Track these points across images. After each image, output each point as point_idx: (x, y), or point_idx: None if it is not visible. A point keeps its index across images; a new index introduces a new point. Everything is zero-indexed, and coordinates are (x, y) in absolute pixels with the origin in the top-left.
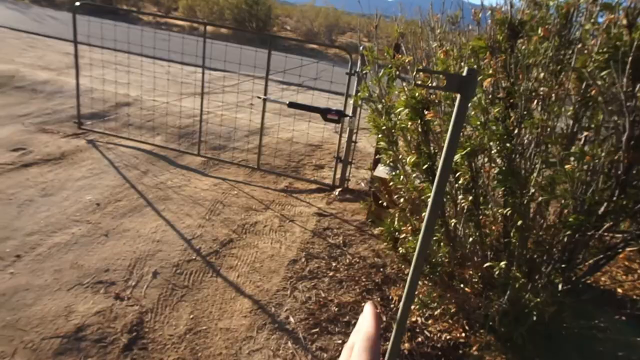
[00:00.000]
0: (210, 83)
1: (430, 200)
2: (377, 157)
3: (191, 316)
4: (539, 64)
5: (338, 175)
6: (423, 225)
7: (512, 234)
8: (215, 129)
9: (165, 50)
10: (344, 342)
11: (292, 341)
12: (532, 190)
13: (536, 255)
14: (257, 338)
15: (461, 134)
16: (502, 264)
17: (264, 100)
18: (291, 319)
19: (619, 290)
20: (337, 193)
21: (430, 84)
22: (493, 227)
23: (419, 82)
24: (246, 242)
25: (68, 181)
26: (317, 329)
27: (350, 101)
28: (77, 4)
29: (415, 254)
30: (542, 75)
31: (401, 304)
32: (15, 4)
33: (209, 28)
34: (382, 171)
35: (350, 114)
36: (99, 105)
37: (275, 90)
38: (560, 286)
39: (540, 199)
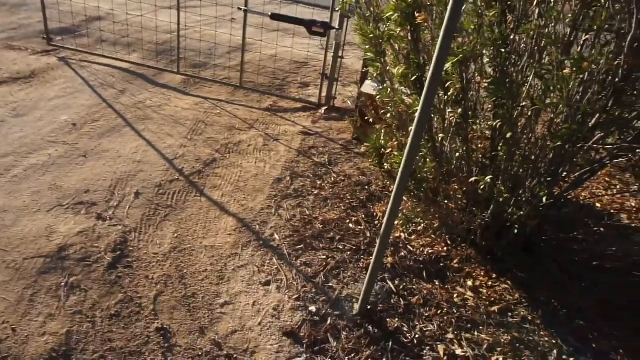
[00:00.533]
0: None
1: (418, 111)
2: (364, 70)
3: (175, 235)
4: None
5: (324, 94)
6: (409, 138)
7: (499, 147)
8: (195, 45)
9: None
10: (328, 258)
11: (276, 257)
12: (523, 103)
13: (522, 169)
14: (241, 255)
15: (453, 40)
16: (488, 178)
17: (245, 11)
18: (276, 236)
19: (598, 205)
20: (322, 111)
21: None
22: (480, 143)
23: None
24: (230, 162)
25: (41, 101)
26: (301, 245)
27: (337, 14)
28: None
29: (401, 168)
30: None
31: (385, 218)
32: None
33: None
34: (369, 87)
35: (337, 27)
36: (68, 19)
37: (258, 4)
38: (544, 200)
39: (530, 110)
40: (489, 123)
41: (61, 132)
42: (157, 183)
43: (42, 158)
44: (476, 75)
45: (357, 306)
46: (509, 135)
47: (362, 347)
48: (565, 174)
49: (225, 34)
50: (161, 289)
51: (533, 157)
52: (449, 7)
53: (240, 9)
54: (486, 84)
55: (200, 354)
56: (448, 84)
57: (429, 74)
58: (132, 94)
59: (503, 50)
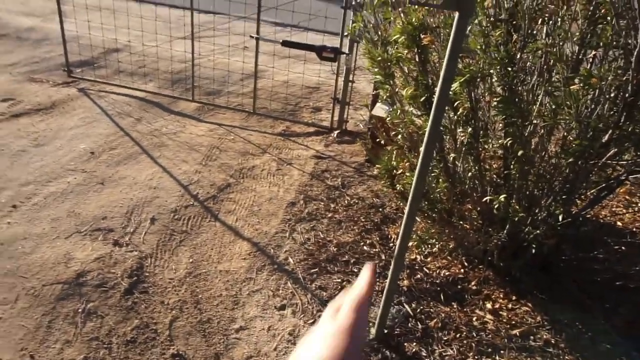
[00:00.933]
0: (201, 26)
1: (427, 131)
2: (374, 93)
3: (190, 260)
4: None
5: (336, 117)
6: (420, 158)
7: (512, 166)
8: (209, 74)
9: None
10: (343, 282)
11: (291, 281)
12: (535, 121)
13: (536, 187)
14: (256, 279)
15: (460, 61)
16: (502, 197)
17: (257, 39)
18: (290, 260)
19: (619, 223)
20: (335, 135)
21: (426, 2)
22: (492, 162)
23: (414, 0)
24: (244, 186)
25: (60, 130)
26: (316, 269)
27: (346, 40)
28: None
29: (412, 189)
30: None
31: (399, 239)
32: None
33: None
34: (380, 109)
35: (347, 52)
36: (87, 52)
37: (269, 32)
38: (560, 218)
39: (542, 126)
40: (500, 141)
41: (80, 160)
42: (173, 209)
43: (61, 186)
44: (485, 94)
45: (373, 330)
46: (520, 153)
47: None
48: (581, 191)
49: (238, 62)
50: (176, 315)
51: (547, 175)
52: (453, 29)
53: (252, 37)
54: (495, 103)
55: None
56: (457, 103)
57: (436, 94)
58: (148, 122)
59: (510, 69)
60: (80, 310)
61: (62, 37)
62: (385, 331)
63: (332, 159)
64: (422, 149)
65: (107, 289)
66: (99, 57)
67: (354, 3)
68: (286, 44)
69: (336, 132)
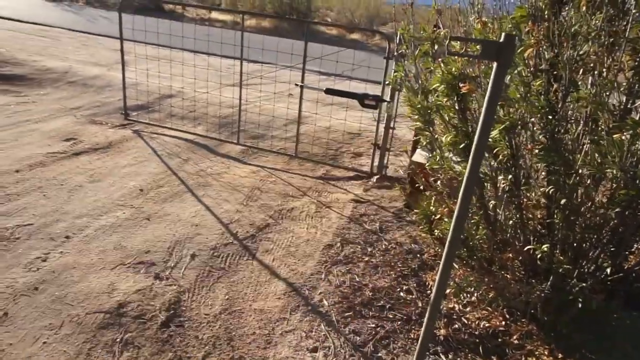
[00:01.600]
0: (249, 74)
1: (465, 175)
2: (414, 138)
3: (226, 297)
4: (588, 35)
5: (376, 163)
6: (458, 202)
7: (555, 215)
8: (255, 119)
9: (206, 43)
10: (377, 327)
11: (325, 323)
12: (580, 170)
13: (583, 239)
14: (290, 319)
15: (501, 109)
16: (545, 247)
17: (301, 87)
18: (325, 302)
19: None
20: (374, 180)
21: (465, 52)
22: (535, 211)
23: (453, 51)
24: (282, 227)
25: (114, 168)
26: (350, 312)
27: (388, 88)
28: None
29: (450, 232)
30: (592, 48)
31: (435, 284)
32: (70, 6)
33: (252, 22)
34: (419, 155)
35: (388, 99)
36: (144, 97)
37: (314, 80)
38: (608, 271)
39: (586, 173)
40: (542, 189)
41: (129, 196)
42: (213, 246)
43: (110, 220)
44: (527, 142)
45: None
46: (563, 202)
47: None
48: (631, 244)
49: (282, 108)
50: (209, 350)
51: (594, 226)
52: (491, 77)
53: (297, 85)
54: (537, 151)
55: None
56: (496, 150)
57: (475, 140)
58: (195, 162)
59: (551, 117)
60: (118, 339)
61: (122, 83)
62: None
63: (370, 204)
64: (460, 193)
65: (145, 320)
66: (154, 102)
67: (395, 54)
68: (329, 91)
69: (376, 177)
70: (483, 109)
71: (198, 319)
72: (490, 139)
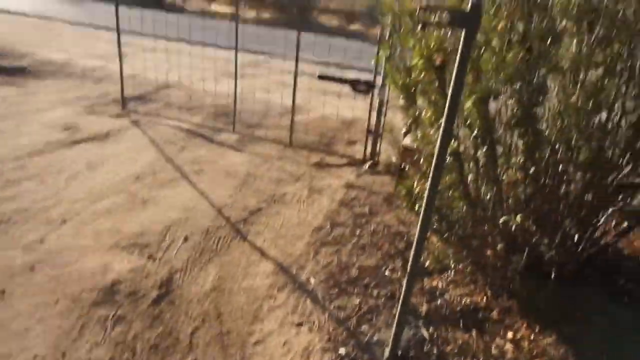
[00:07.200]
0: (245, 65)
1: (437, 145)
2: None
3: (217, 276)
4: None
5: (369, 150)
6: (432, 168)
7: (528, 186)
8: (250, 108)
9: (203, 35)
10: (361, 303)
11: (310, 300)
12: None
13: (554, 209)
14: (277, 297)
15: (475, 82)
16: (518, 217)
17: (295, 75)
18: (312, 280)
19: None
20: (367, 166)
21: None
22: (515, 188)
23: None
24: (274, 211)
25: (111, 156)
26: (335, 290)
27: (380, 76)
28: None
29: (425, 199)
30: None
31: (412, 253)
32: None
33: (252, 14)
34: (409, 140)
35: (380, 85)
36: (142, 88)
37: (310, 70)
38: (576, 238)
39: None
40: (515, 159)
41: (126, 182)
42: (205, 229)
43: (106, 204)
44: (502, 114)
45: (387, 351)
46: (532, 170)
47: None
48: (601, 217)
49: (277, 98)
50: (198, 325)
51: (563, 195)
52: (460, 44)
53: (291, 73)
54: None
55: None
56: (469, 121)
57: (446, 109)
58: (190, 150)
59: (521, 87)
60: (111, 315)
61: (120, 75)
62: (399, 353)
63: (362, 189)
64: (433, 162)
65: (137, 297)
66: (151, 92)
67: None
68: (322, 77)
69: (368, 163)
70: (452, 77)
71: (189, 296)
72: (465, 110)
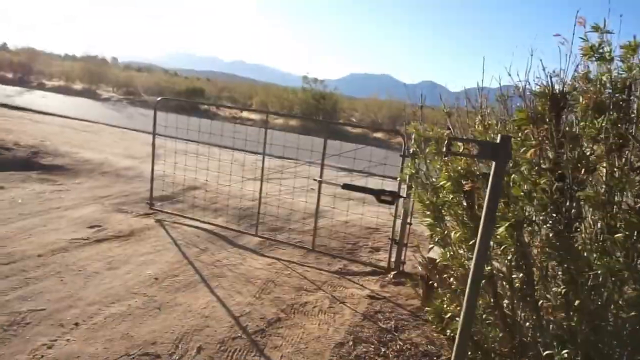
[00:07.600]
0: (271, 169)
1: (471, 270)
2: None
3: None
4: (596, 137)
5: (393, 258)
6: (465, 298)
7: (574, 317)
8: (274, 211)
9: (235, 140)
10: None
11: None
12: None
13: (604, 343)
14: None
15: (507, 207)
16: (565, 352)
17: (320, 182)
18: None
19: None
20: (391, 276)
21: (463, 152)
22: (555, 312)
23: (453, 151)
24: (293, 322)
25: (133, 256)
26: None
27: (404, 184)
28: (158, 99)
29: (459, 329)
30: (599, 149)
31: None
32: (114, 104)
33: (280, 121)
34: (435, 253)
35: (405, 195)
36: (170, 188)
37: (333, 176)
38: None
39: (601, 274)
40: (554, 290)
41: (144, 284)
42: (220, 339)
43: (122, 308)
44: (535, 239)
45: None
46: (577, 303)
47: None
48: None
49: (301, 202)
50: None
51: (615, 329)
52: (491, 174)
53: (316, 180)
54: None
55: None
56: (503, 247)
57: (479, 236)
58: (212, 253)
59: (555, 215)
60: None
61: (151, 175)
62: None
63: (386, 300)
64: (467, 289)
65: None
66: (179, 193)
67: (411, 152)
68: (347, 187)
69: (393, 273)
70: (484, 205)
71: None
72: (498, 236)
